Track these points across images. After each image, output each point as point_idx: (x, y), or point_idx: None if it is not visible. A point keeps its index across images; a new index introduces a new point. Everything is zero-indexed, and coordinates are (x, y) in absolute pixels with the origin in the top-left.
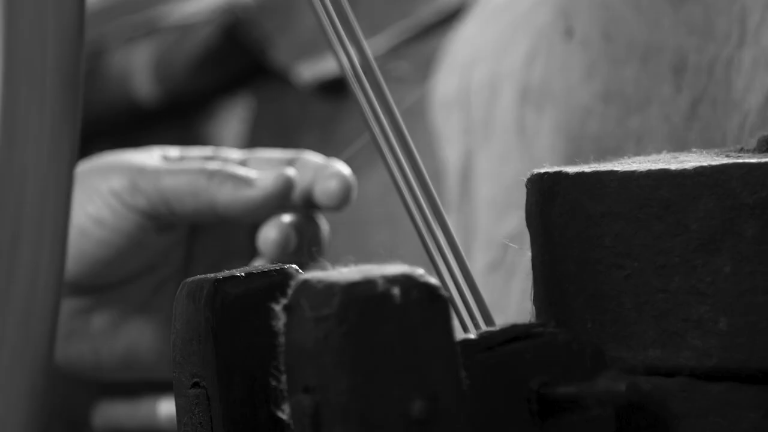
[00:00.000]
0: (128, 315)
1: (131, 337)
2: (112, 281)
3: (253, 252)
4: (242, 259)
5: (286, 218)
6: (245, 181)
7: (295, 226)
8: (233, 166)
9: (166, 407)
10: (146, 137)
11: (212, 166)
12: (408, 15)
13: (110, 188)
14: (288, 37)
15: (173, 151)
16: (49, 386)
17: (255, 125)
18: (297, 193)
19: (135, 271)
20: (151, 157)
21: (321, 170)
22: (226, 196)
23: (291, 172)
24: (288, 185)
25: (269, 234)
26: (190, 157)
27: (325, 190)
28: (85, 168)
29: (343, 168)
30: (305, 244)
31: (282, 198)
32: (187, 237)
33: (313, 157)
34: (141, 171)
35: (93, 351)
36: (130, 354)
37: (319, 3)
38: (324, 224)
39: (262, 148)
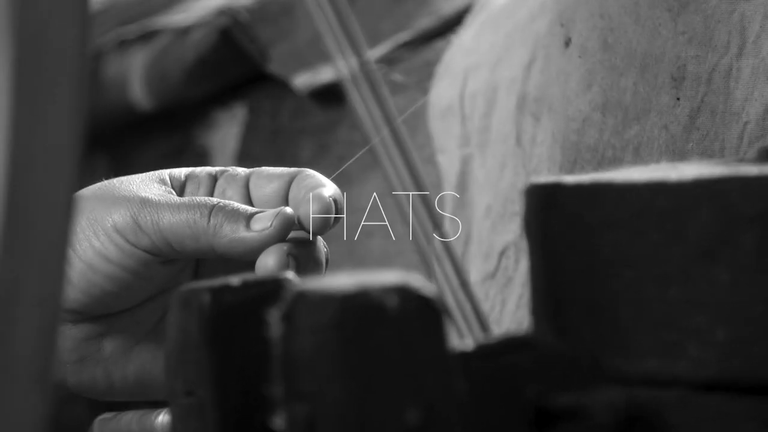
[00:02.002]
0: (140, 338)
1: (143, 360)
2: (122, 308)
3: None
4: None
5: (283, 246)
6: (243, 222)
7: (292, 253)
8: (231, 203)
9: (164, 416)
10: (142, 144)
11: (212, 201)
12: (407, 26)
13: (114, 225)
14: (284, 44)
15: (180, 171)
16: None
17: (250, 133)
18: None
19: (144, 297)
20: (153, 186)
21: (306, 193)
22: (224, 239)
23: (288, 211)
24: (287, 226)
25: (267, 262)
26: (194, 175)
27: (306, 215)
28: (89, 197)
29: (328, 191)
30: (303, 268)
31: (280, 239)
32: (194, 261)
33: (310, 175)
34: (143, 205)
35: (106, 375)
36: (142, 377)
37: (317, 10)
38: (322, 245)
39: (246, 159)
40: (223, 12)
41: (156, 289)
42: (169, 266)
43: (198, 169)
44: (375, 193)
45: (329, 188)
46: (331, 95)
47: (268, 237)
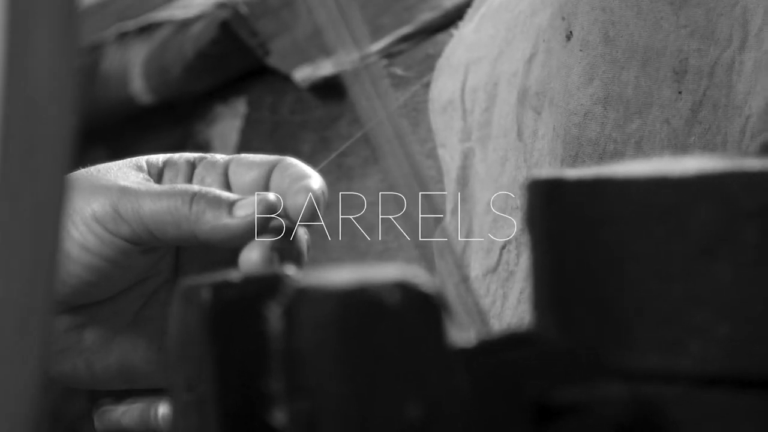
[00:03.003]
0: (121, 328)
1: (124, 350)
2: (101, 298)
3: (235, 260)
4: (227, 266)
5: (266, 240)
6: (226, 209)
7: (276, 247)
8: (213, 189)
9: (162, 408)
10: (142, 137)
11: (193, 188)
12: (408, 19)
13: (93, 214)
14: (285, 38)
15: (158, 158)
16: (47, 391)
17: (250, 126)
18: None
19: (123, 286)
20: (131, 174)
21: (292, 183)
22: (206, 226)
23: (272, 197)
24: (270, 212)
25: (251, 256)
26: (172, 162)
27: (293, 205)
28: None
29: (316, 182)
30: (287, 261)
31: (263, 224)
32: (174, 249)
33: (293, 164)
34: (122, 194)
35: (87, 366)
36: (124, 366)
37: (318, 4)
38: (304, 236)
39: (246, 153)
40: (223, 5)
41: (136, 278)
42: (150, 255)
43: (176, 156)
44: (380, 193)
45: (316, 179)
46: (331, 89)
47: (251, 223)
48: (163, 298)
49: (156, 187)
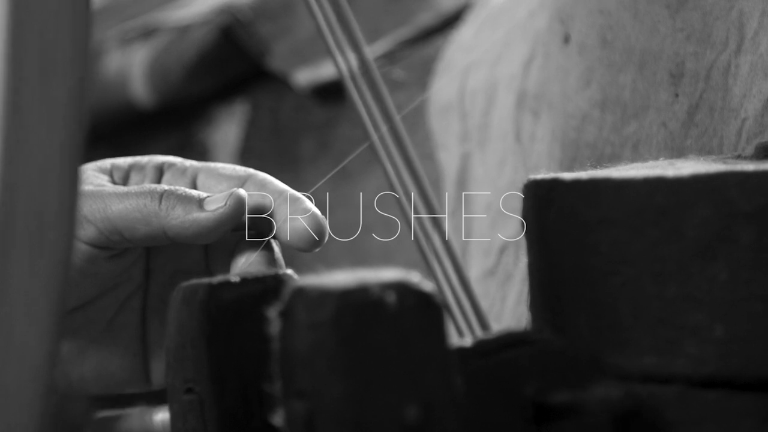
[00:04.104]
0: (94, 336)
1: (100, 357)
2: (71, 307)
3: (206, 266)
4: (197, 274)
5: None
6: (196, 204)
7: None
8: (182, 187)
9: (161, 414)
10: (143, 141)
11: (162, 186)
12: (407, 22)
13: None
14: (285, 42)
15: (125, 161)
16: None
17: (251, 130)
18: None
19: (95, 295)
20: (94, 178)
21: (292, 205)
22: (176, 221)
23: (242, 192)
24: (239, 206)
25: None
26: (139, 166)
27: (293, 229)
28: None
29: (310, 204)
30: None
31: (234, 219)
32: (144, 253)
33: (269, 180)
34: (87, 197)
35: (63, 375)
36: (100, 374)
37: (317, 7)
38: (275, 247)
39: (247, 156)
40: (224, 9)
41: (104, 286)
42: (116, 261)
43: (144, 159)
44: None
45: (306, 201)
46: (331, 92)
47: (222, 216)
48: (136, 305)
49: (122, 188)
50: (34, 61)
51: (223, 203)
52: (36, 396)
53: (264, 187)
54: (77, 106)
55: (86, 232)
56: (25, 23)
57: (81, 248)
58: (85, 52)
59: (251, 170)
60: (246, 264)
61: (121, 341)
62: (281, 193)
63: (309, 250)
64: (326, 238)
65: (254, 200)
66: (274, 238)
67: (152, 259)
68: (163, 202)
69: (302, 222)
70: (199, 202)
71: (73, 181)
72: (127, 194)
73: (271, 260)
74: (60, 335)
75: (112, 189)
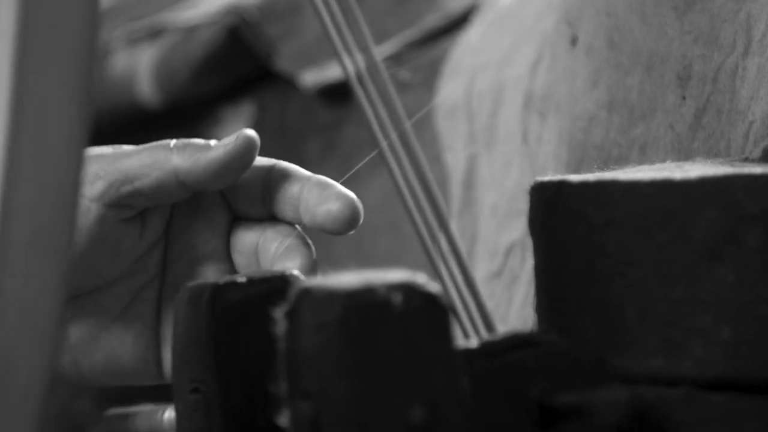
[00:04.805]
0: (106, 325)
1: (111, 347)
2: (84, 286)
3: (226, 256)
4: (215, 263)
5: (309, 250)
6: (206, 147)
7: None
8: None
9: (169, 413)
10: (150, 141)
11: (173, 141)
12: (414, 24)
13: None
14: (292, 42)
15: (128, 147)
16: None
17: (257, 131)
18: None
19: (108, 276)
20: (102, 147)
21: (323, 189)
22: (188, 161)
23: (250, 131)
24: (248, 143)
25: (289, 265)
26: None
27: (325, 212)
28: None
29: (342, 187)
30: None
31: (244, 157)
32: (162, 243)
33: (290, 167)
34: (101, 157)
35: (73, 363)
36: (110, 363)
37: (324, 8)
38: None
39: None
40: (231, 10)
41: (119, 264)
42: (128, 228)
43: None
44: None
45: (337, 184)
46: (338, 93)
47: (231, 151)
48: (151, 295)
49: (131, 147)
50: (39, 59)
51: (233, 141)
52: (38, 391)
53: (289, 175)
54: (83, 105)
55: (95, 187)
56: (32, 22)
57: (90, 208)
58: (92, 51)
59: (273, 160)
60: (281, 248)
61: (133, 331)
62: (308, 179)
63: (344, 232)
64: (361, 219)
65: (281, 188)
66: (303, 225)
67: (169, 248)
68: (175, 148)
69: (336, 204)
70: (209, 145)
71: (75, 180)
72: (138, 150)
73: (305, 244)
74: (63, 325)
75: (121, 150)
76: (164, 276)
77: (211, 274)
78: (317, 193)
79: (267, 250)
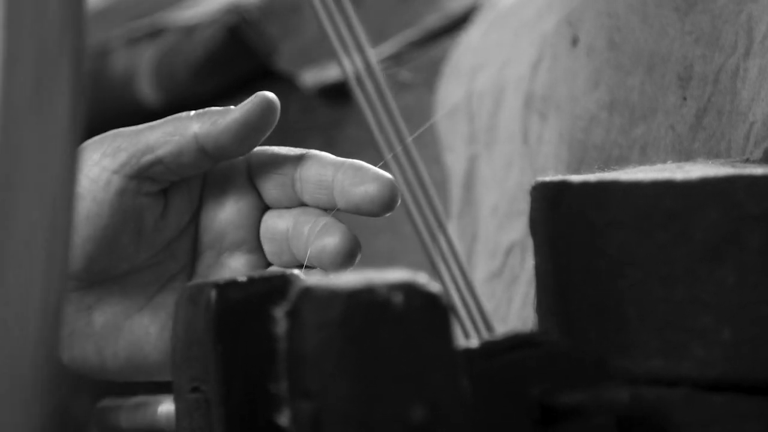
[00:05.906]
0: (131, 313)
1: (136, 337)
2: (109, 268)
3: (256, 247)
4: (246, 254)
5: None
6: (225, 110)
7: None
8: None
9: (167, 408)
10: None
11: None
12: (414, 24)
13: (89, 157)
14: (292, 42)
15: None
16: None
17: None
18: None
19: (133, 258)
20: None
21: (358, 172)
22: (207, 123)
23: (270, 94)
24: (268, 104)
25: (329, 241)
26: None
27: (365, 195)
28: None
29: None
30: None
31: (263, 118)
32: (192, 231)
33: (321, 153)
34: (117, 134)
35: (97, 351)
36: (133, 353)
37: (323, 9)
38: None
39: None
40: (231, 9)
41: (144, 247)
42: (151, 201)
43: None
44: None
45: (372, 167)
46: (338, 92)
47: (248, 112)
48: (179, 286)
49: (153, 122)
50: (30, 60)
51: (251, 102)
52: (43, 386)
53: (322, 159)
54: (77, 106)
55: (117, 159)
56: (21, 22)
57: (111, 180)
58: (81, 51)
59: (305, 149)
60: (316, 227)
61: (159, 322)
62: (342, 163)
63: (381, 214)
64: (399, 201)
65: (315, 172)
66: (336, 211)
67: (199, 237)
68: (195, 115)
69: (374, 185)
70: (228, 109)
71: (71, 179)
72: (160, 122)
73: (341, 222)
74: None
75: (140, 126)
76: (194, 267)
77: (240, 265)
78: (353, 174)
79: (300, 233)
